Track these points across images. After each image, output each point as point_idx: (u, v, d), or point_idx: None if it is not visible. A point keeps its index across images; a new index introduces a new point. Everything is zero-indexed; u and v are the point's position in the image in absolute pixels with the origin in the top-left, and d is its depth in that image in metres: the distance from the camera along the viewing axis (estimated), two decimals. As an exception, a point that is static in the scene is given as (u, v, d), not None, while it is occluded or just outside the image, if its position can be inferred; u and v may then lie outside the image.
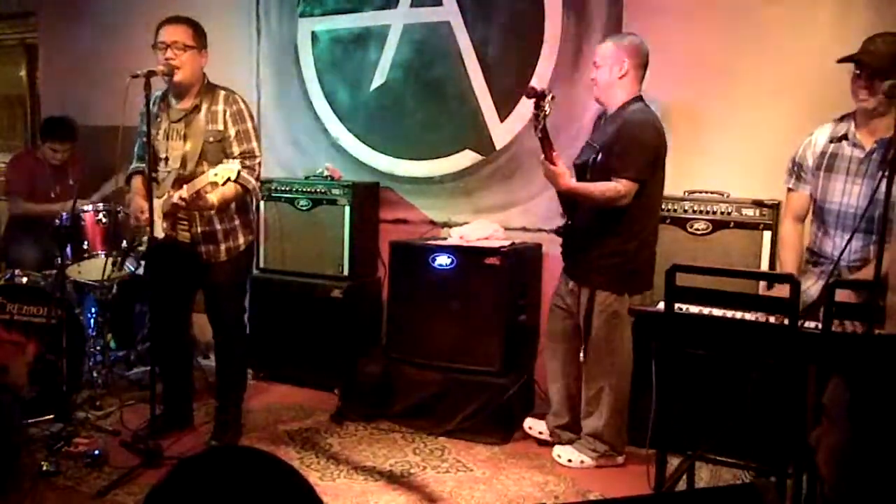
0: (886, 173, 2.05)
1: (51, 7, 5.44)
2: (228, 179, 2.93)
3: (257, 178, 3.19)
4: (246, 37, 4.65)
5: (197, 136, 3.12)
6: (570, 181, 3.05)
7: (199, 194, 2.95)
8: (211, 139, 3.13)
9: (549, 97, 2.91)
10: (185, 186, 2.99)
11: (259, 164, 3.20)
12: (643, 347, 2.97)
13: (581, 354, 3.22)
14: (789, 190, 2.83)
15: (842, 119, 2.68)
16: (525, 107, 3.96)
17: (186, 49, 3.09)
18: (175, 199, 2.98)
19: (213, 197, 3.01)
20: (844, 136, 2.63)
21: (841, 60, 2.54)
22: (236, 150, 3.14)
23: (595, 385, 3.19)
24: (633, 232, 3.09)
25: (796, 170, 2.78)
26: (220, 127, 3.14)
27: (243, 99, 3.24)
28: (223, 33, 3.99)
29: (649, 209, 3.13)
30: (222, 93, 3.19)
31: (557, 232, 3.28)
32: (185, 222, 3.16)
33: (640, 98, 3.12)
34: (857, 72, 2.54)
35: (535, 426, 3.45)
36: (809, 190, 2.75)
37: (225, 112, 3.15)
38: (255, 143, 3.19)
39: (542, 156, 3.02)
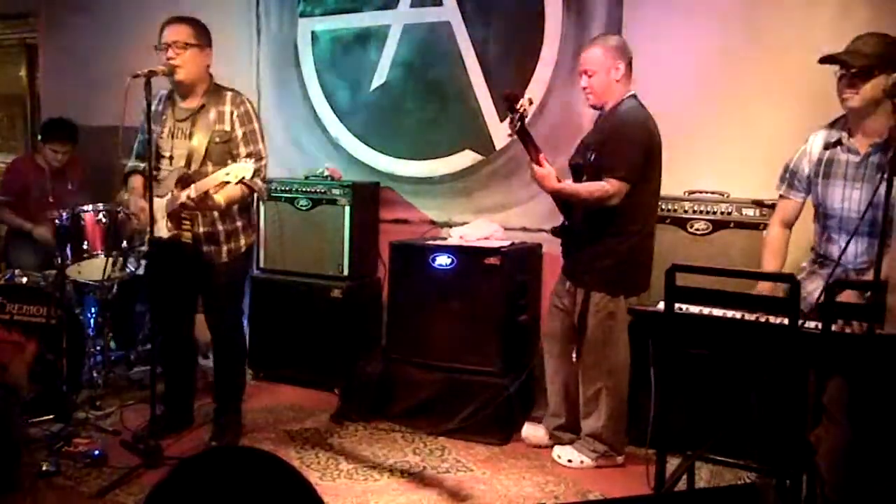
0: (886, 176, 2.06)
1: (51, 7, 5.45)
2: (242, 179, 2.92)
3: (263, 180, 3.20)
4: (246, 37, 4.65)
5: (203, 136, 3.12)
6: (554, 183, 3.05)
7: (206, 194, 2.95)
8: (217, 139, 3.13)
9: (523, 99, 2.92)
10: (192, 185, 2.98)
11: (265, 165, 3.21)
12: (643, 347, 2.98)
13: (574, 354, 3.21)
14: (781, 196, 2.82)
15: (833, 124, 2.66)
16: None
17: (187, 47, 3.09)
18: (183, 197, 2.97)
19: (220, 197, 3.01)
20: (839, 142, 2.61)
21: (822, 60, 2.51)
22: (243, 150, 3.14)
23: (593, 386, 3.19)
24: (630, 232, 3.09)
25: (788, 177, 2.76)
26: (227, 128, 3.14)
27: (250, 100, 3.25)
28: (223, 33, 3.98)
29: (646, 209, 3.12)
30: (229, 94, 3.19)
31: (554, 232, 3.28)
32: (188, 222, 3.15)
33: (633, 96, 3.12)
34: (842, 72, 2.51)
35: (530, 433, 3.44)
36: (801, 197, 2.75)
37: (232, 113, 3.15)
38: (261, 145, 3.19)
39: (528, 158, 3.03)
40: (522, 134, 2.98)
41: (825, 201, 2.63)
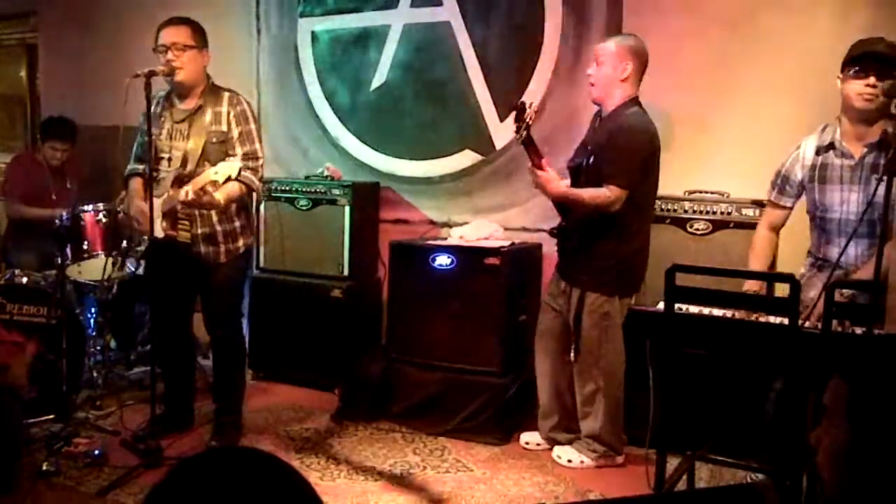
0: (885, 176, 2.06)
1: (51, 7, 5.45)
2: (229, 178, 2.93)
3: (260, 179, 3.21)
4: (246, 37, 4.65)
5: (199, 137, 3.13)
6: (559, 187, 3.07)
7: (204, 191, 2.96)
8: (214, 140, 3.13)
9: (529, 109, 2.98)
10: (188, 185, 2.98)
11: (262, 165, 3.22)
12: (639, 348, 2.98)
13: (571, 354, 3.21)
14: (770, 202, 2.83)
15: (825, 128, 2.66)
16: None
17: (186, 49, 3.09)
18: (182, 195, 2.96)
19: (220, 195, 3.02)
20: (831, 146, 2.61)
21: (860, 57, 2.46)
22: (239, 150, 3.15)
23: (589, 387, 3.19)
24: (628, 234, 3.09)
25: (780, 183, 2.77)
26: (224, 128, 3.15)
27: (247, 100, 3.26)
28: (223, 33, 4.00)
29: (642, 212, 3.13)
30: (226, 94, 3.20)
31: (552, 233, 3.28)
32: (186, 222, 3.16)
33: (636, 100, 3.11)
34: (862, 72, 2.47)
35: (531, 440, 3.43)
36: (791, 203, 2.76)
37: (229, 113, 3.16)
38: (257, 145, 3.20)
39: (530, 164, 3.06)
40: (528, 141, 3.03)
41: (824, 205, 2.63)
